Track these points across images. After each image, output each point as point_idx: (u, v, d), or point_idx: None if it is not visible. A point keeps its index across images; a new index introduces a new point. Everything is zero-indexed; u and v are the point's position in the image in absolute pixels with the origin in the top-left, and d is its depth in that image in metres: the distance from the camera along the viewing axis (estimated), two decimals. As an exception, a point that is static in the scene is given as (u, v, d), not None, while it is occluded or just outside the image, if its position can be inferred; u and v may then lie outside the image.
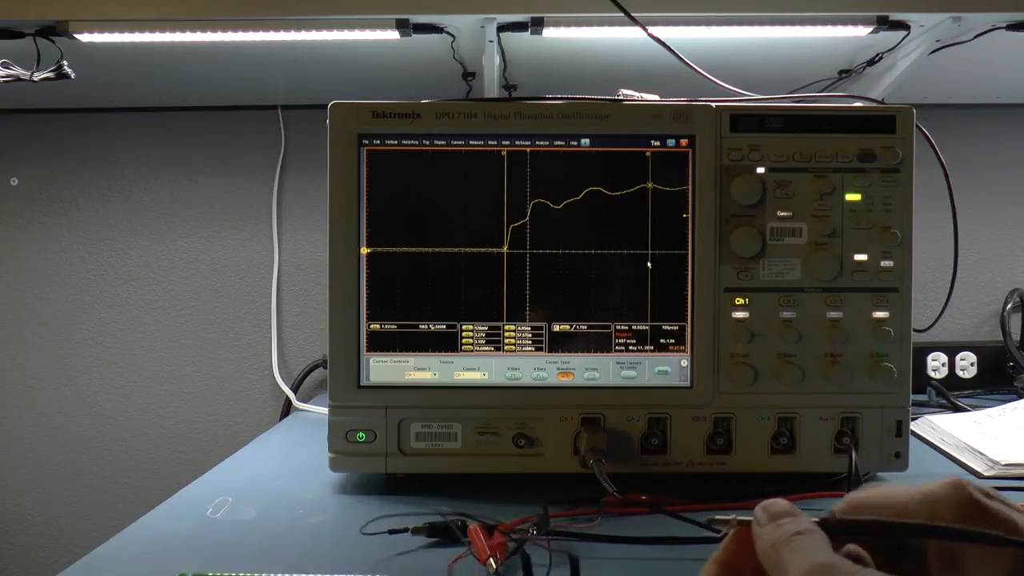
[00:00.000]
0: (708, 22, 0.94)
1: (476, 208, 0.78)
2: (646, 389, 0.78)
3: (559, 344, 0.78)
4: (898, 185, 0.77)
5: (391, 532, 0.63)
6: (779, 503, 0.34)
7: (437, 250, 0.77)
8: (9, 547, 1.43)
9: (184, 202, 1.41)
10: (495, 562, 0.56)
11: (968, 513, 0.33)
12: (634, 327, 0.78)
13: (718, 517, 0.37)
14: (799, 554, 0.31)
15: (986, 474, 0.81)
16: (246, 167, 1.41)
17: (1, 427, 1.42)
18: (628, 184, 0.77)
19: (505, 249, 0.78)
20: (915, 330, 0.79)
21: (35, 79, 0.92)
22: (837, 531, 0.34)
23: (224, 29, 0.96)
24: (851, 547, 0.34)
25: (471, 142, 0.78)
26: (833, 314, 0.77)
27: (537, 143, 0.78)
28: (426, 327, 0.78)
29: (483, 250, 0.77)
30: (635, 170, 0.77)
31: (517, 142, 0.77)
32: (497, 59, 1.01)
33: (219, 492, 0.77)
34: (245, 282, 1.41)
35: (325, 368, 0.86)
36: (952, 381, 1.26)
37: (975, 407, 1.07)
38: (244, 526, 0.69)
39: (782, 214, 0.77)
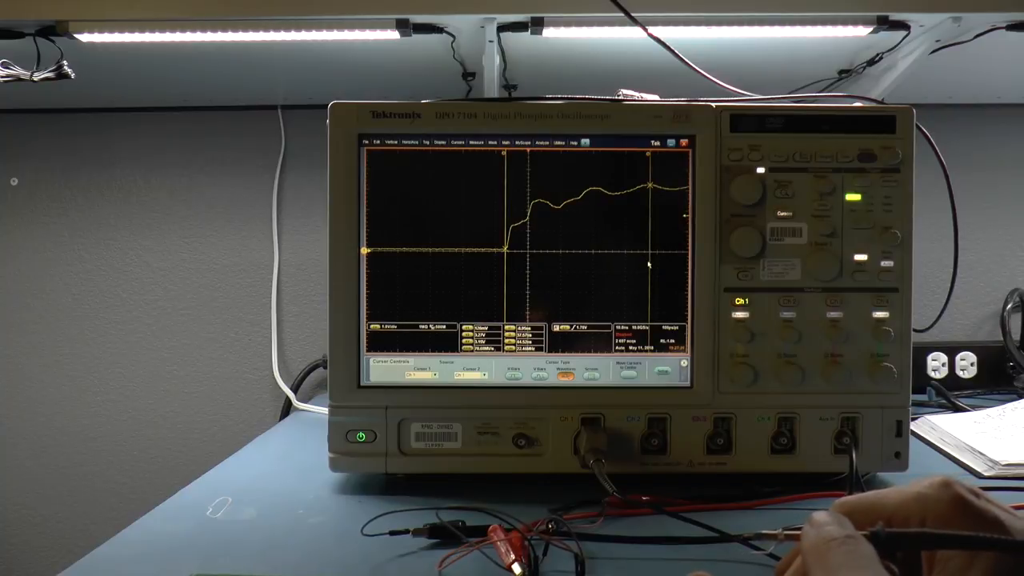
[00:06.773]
0: (708, 22, 0.93)
1: (476, 208, 0.78)
2: (646, 389, 0.78)
3: (559, 344, 0.78)
4: (898, 185, 0.77)
5: (392, 533, 0.63)
6: (826, 515, 0.34)
7: (437, 250, 0.77)
8: (9, 547, 1.43)
9: (184, 202, 1.41)
10: (520, 567, 0.56)
11: (957, 512, 0.34)
12: (634, 327, 0.78)
13: (765, 532, 0.36)
14: (851, 558, 0.31)
15: (986, 474, 0.81)
16: (246, 167, 1.41)
17: (1, 427, 1.42)
18: (628, 184, 0.77)
19: (505, 249, 0.78)
20: (915, 330, 0.79)
21: (35, 79, 0.92)
22: (887, 544, 0.34)
23: (224, 29, 0.96)
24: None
25: (471, 142, 0.77)
26: (833, 314, 0.77)
27: (537, 143, 0.78)
28: (426, 327, 0.78)
29: (483, 250, 0.77)
30: (635, 170, 0.77)
31: (517, 142, 0.77)
32: (497, 59, 1.01)
33: (219, 492, 0.77)
34: (245, 282, 1.41)
35: (325, 368, 0.86)
36: (952, 381, 1.26)
37: (975, 407, 1.07)
38: (244, 526, 0.69)
39: (782, 214, 0.77)
